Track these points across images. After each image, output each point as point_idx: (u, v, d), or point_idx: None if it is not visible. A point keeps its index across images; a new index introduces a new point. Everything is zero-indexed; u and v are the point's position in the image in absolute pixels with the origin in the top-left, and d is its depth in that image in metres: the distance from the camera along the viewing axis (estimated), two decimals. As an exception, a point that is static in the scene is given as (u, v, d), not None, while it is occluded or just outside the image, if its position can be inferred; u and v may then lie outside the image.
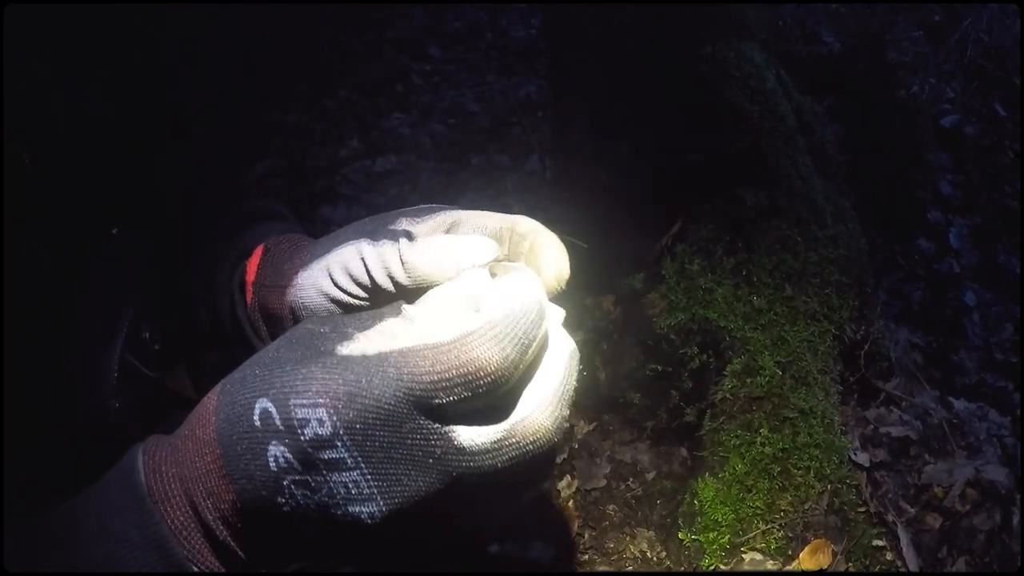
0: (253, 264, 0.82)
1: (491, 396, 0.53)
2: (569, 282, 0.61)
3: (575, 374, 0.58)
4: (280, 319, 0.75)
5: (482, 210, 0.65)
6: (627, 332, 1.91)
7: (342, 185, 2.86)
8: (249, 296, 0.82)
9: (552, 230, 0.62)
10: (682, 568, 1.64)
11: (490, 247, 0.58)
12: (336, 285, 0.63)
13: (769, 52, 2.44)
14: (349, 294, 0.63)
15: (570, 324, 1.79)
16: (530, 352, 0.54)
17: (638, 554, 1.76)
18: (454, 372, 0.51)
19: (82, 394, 0.86)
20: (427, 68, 3.61)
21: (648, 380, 1.88)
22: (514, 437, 0.54)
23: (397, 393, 0.51)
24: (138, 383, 0.91)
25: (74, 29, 0.84)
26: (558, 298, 0.63)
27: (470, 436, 0.54)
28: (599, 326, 1.96)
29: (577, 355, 0.59)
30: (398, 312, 0.57)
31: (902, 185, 3.00)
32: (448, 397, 0.52)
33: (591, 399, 1.99)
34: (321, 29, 3.74)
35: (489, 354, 0.51)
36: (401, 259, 0.59)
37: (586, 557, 1.78)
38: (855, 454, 1.78)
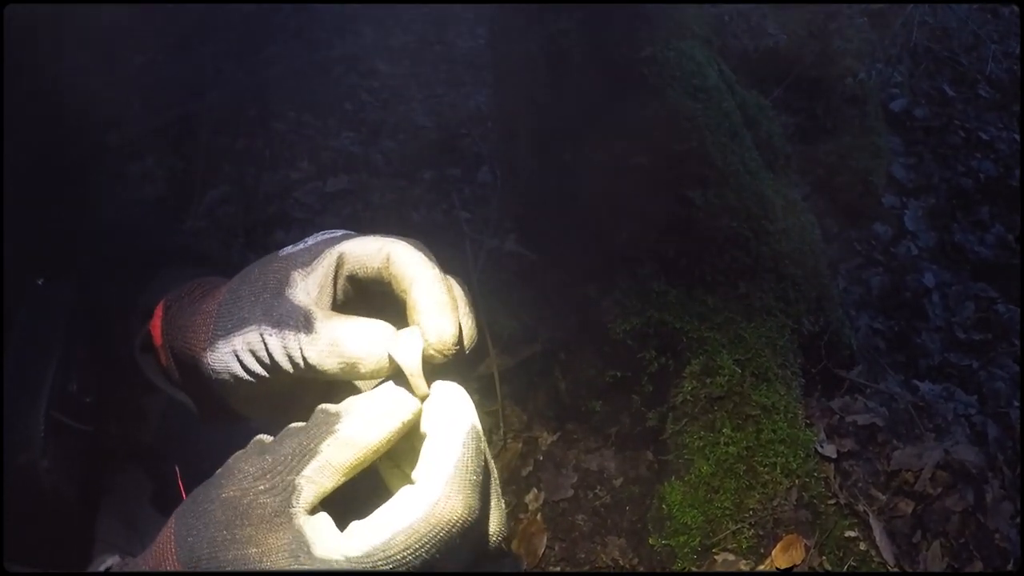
0: (157, 327, 0.82)
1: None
2: (468, 341, 0.63)
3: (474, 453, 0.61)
4: (200, 382, 0.77)
5: (385, 235, 0.67)
6: (584, 340, 1.90)
7: (295, 208, 2.83)
8: (164, 359, 0.82)
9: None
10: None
11: (380, 344, 0.62)
12: (245, 369, 0.68)
13: (713, 48, 2.44)
14: (257, 375, 0.69)
15: (525, 337, 1.77)
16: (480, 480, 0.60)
17: (610, 563, 1.74)
18: (434, 533, 0.56)
19: (8, 456, 0.83)
20: (376, 85, 3.59)
21: (608, 386, 1.86)
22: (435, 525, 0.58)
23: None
24: (68, 439, 0.88)
25: None
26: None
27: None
28: (556, 336, 1.94)
29: (478, 436, 0.62)
30: (331, 431, 0.60)
31: (855, 171, 3.02)
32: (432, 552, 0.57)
33: (553, 409, 1.97)
34: (268, 51, 3.70)
35: (458, 508, 0.56)
36: (302, 354, 0.63)
37: (558, 569, 1.76)
38: (821, 446, 1.77)
